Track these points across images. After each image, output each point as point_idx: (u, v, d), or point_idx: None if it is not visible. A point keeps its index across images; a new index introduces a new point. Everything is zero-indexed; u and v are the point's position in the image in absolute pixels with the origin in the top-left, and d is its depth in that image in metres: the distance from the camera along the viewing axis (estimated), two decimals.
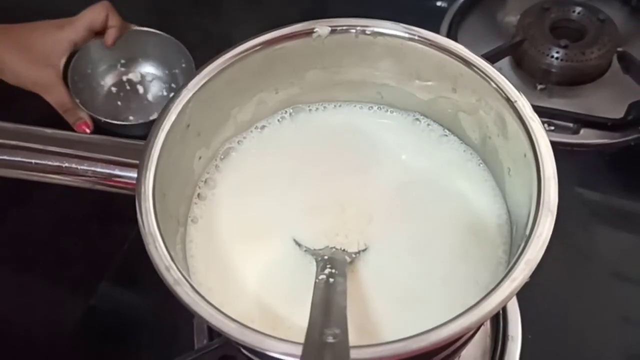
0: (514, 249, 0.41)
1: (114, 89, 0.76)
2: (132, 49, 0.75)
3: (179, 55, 0.74)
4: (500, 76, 0.43)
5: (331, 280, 0.38)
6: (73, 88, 0.70)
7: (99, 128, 0.69)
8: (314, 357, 0.30)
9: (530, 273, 0.34)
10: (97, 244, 0.65)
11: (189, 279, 0.35)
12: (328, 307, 0.35)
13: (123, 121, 0.72)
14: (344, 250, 0.43)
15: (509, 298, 0.33)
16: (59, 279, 0.63)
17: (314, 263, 0.42)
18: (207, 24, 0.84)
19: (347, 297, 0.37)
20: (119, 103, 0.75)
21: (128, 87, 0.76)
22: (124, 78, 0.76)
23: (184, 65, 0.74)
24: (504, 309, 0.55)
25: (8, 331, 0.60)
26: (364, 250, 0.44)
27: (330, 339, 0.31)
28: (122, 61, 0.76)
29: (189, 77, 0.64)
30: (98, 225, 0.67)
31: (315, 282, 0.38)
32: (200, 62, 0.45)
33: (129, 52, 0.75)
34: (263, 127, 0.51)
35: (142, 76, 0.77)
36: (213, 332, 0.54)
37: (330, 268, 0.39)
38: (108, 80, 0.76)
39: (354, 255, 0.43)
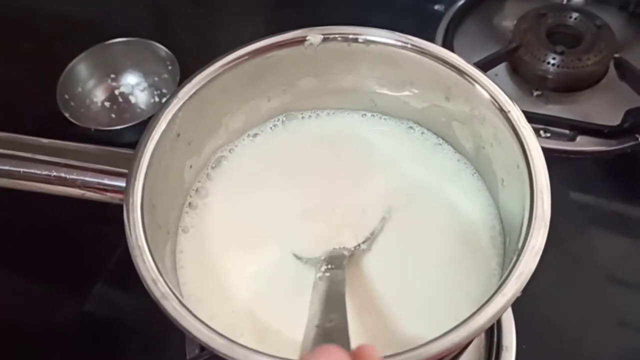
0: (507, 261, 0.40)
1: (107, 104, 0.76)
2: (119, 61, 0.76)
3: (165, 58, 0.75)
4: (493, 85, 0.42)
5: (328, 274, 0.38)
6: (64, 106, 0.71)
7: (92, 138, 0.69)
8: (311, 344, 0.29)
9: (522, 287, 0.34)
10: (91, 249, 0.65)
11: (176, 293, 0.34)
12: (326, 297, 0.35)
13: None
14: (342, 247, 0.43)
15: (500, 313, 0.33)
16: (53, 283, 0.63)
17: (307, 273, 0.41)
18: (202, 30, 0.84)
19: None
20: (113, 115, 0.75)
21: (120, 100, 0.76)
22: (116, 92, 0.77)
23: (170, 67, 0.75)
24: (498, 319, 0.54)
25: (1, 335, 0.60)
26: (363, 243, 0.43)
27: (328, 324, 0.31)
28: (112, 75, 0.77)
29: (175, 78, 0.64)
30: (92, 230, 0.67)
31: (314, 282, 0.38)
32: (194, 69, 0.44)
33: (116, 64, 0.76)
34: (255, 134, 0.50)
35: (133, 86, 0.77)
36: None
37: (327, 265, 0.39)
38: (100, 95, 0.76)
39: (352, 249, 0.43)
